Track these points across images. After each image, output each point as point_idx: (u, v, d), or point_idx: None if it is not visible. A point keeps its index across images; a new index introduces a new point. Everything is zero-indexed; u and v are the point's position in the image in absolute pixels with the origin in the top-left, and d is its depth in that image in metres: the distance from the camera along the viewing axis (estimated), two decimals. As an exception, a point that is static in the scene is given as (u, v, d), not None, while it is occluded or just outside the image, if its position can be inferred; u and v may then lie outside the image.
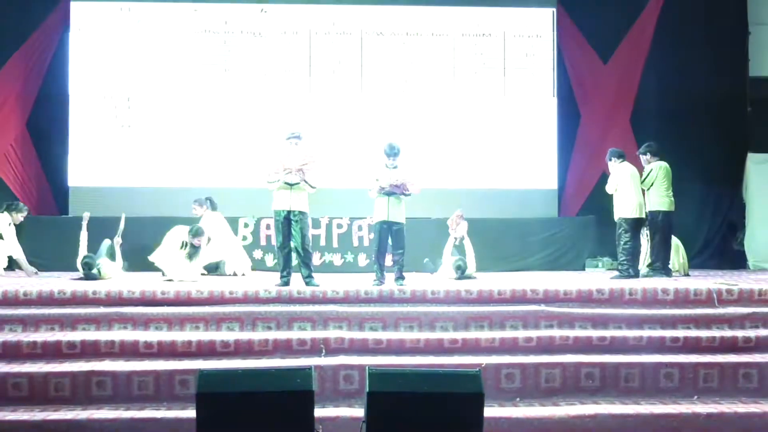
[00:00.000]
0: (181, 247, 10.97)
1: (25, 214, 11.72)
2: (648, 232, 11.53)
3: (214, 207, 11.96)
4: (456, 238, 11.38)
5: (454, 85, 13.72)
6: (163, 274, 10.82)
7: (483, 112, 13.72)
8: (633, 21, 13.94)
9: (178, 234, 11.27)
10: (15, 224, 11.51)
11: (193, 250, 10.84)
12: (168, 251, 11.16)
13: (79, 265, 10.72)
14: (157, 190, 13.27)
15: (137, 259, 11.73)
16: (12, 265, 11.62)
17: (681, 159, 12.22)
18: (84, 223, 11.27)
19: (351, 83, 13.68)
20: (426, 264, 11.76)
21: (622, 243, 11.05)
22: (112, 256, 11.20)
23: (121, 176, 13.42)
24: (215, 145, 13.49)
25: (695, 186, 12.49)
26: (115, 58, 13.52)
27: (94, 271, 10.53)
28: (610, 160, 11.31)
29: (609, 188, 11.25)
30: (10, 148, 13.47)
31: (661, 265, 11.20)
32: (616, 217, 11.12)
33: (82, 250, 10.99)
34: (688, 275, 11.63)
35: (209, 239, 11.23)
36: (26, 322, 8.53)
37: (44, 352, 7.99)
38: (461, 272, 10.80)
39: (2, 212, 11.54)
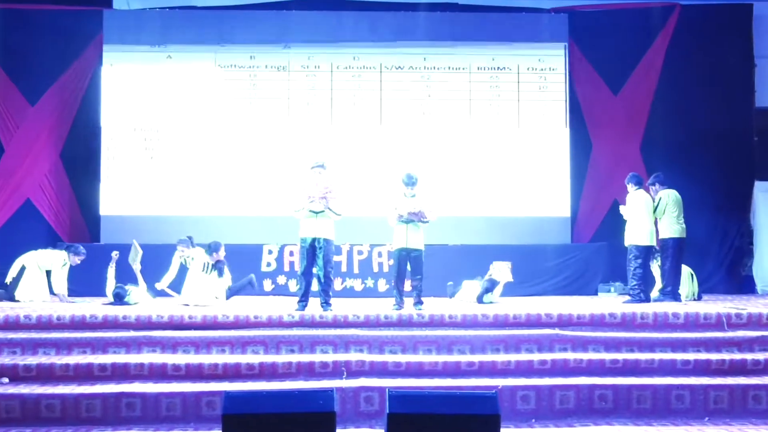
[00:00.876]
0: (204, 270, 11.00)
1: (83, 257, 11.63)
2: (659, 258, 11.51)
3: (193, 244, 11.78)
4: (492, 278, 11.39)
5: (470, 116, 13.77)
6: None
7: (498, 143, 13.76)
8: (642, 54, 13.97)
9: (177, 257, 11.36)
10: (70, 265, 11.50)
11: (221, 265, 10.95)
12: (190, 276, 11.13)
13: (110, 295, 10.77)
14: (185, 219, 13.27)
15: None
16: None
17: (690, 187, 12.13)
18: (112, 261, 11.19)
19: (371, 116, 13.75)
20: (448, 287, 11.72)
21: (632, 269, 11.03)
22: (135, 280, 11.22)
23: (151, 205, 13.52)
24: (240, 174, 13.57)
25: (704, 213, 12.42)
26: (145, 92, 13.67)
27: (126, 299, 10.57)
28: (629, 183, 11.29)
29: (624, 212, 11.23)
30: (44, 178, 13.61)
31: (671, 290, 11.13)
32: (627, 244, 11.10)
33: (110, 284, 10.98)
34: (697, 300, 11.57)
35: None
36: (59, 345, 8.57)
37: (76, 375, 8.02)
38: (486, 293, 10.88)
39: (62, 251, 11.59)
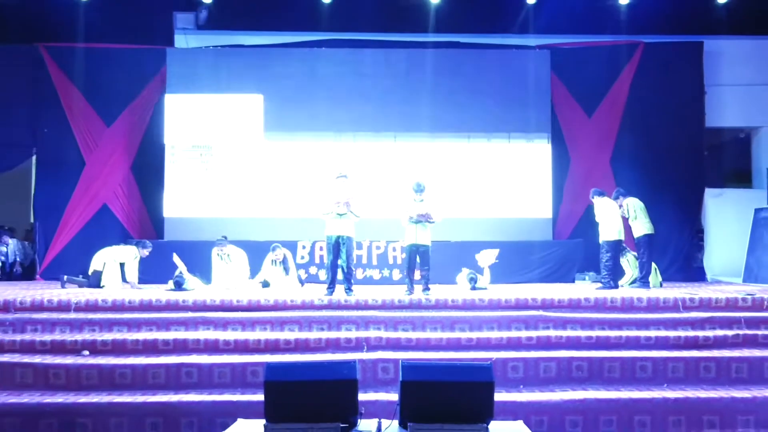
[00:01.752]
0: (273, 264, 11.33)
1: (150, 249, 11.67)
2: (626, 253, 11.49)
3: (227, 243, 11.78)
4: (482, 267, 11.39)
5: (469, 136, 13.71)
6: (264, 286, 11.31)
7: (492, 156, 13.72)
8: (612, 83, 13.95)
9: (215, 254, 11.48)
10: (140, 257, 11.54)
11: (285, 261, 11.27)
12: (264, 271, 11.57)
13: (171, 283, 10.82)
14: (233, 220, 13.35)
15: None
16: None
17: (651, 194, 12.26)
18: (177, 261, 11.15)
19: (386, 134, 13.73)
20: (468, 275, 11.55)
21: (604, 261, 11.00)
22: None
23: (205, 209, 13.57)
24: (278, 183, 13.60)
25: (663, 215, 12.35)
26: (201, 114, 13.70)
27: (184, 286, 10.63)
28: (594, 197, 11.30)
29: (597, 217, 11.24)
30: (118, 187, 13.71)
31: (644, 277, 11.07)
32: (600, 240, 11.07)
33: (181, 267, 11.04)
34: (660, 287, 11.53)
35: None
36: (130, 324, 8.64)
37: (144, 348, 8.08)
38: (474, 283, 10.80)
39: (132, 246, 11.64)
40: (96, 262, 11.32)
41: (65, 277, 11.27)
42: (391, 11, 14.53)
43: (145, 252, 11.58)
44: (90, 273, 11.28)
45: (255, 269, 11.76)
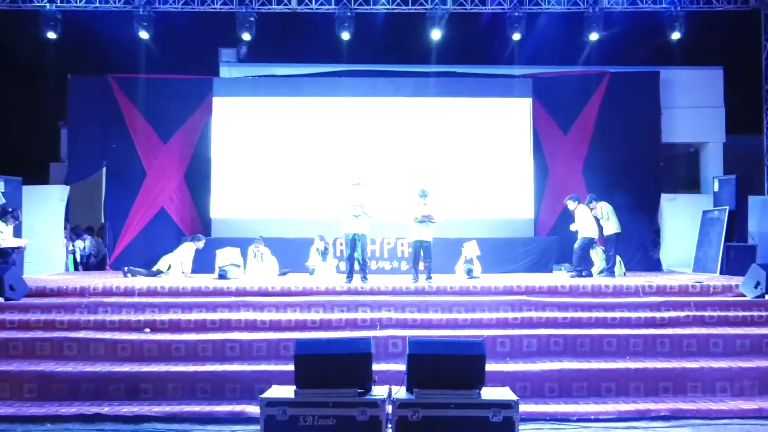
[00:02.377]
0: (317, 252, 11.45)
1: (204, 241, 11.68)
2: (597, 250, 11.45)
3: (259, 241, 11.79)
4: (466, 257, 11.35)
5: (465, 150, 13.67)
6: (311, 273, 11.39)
7: (484, 167, 13.67)
8: (583, 106, 13.88)
9: (251, 251, 11.46)
10: (196, 249, 11.56)
11: (325, 250, 11.31)
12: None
13: (216, 274, 10.85)
14: (270, 221, 13.34)
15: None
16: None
17: (616, 198, 12.15)
18: (223, 256, 11.15)
19: (395, 148, 13.69)
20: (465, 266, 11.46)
21: (579, 253, 10.99)
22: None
23: (245, 211, 13.56)
24: (306, 189, 13.56)
25: (626, 216, 12.19)
26: (242, 131, 13.71)
27: (227, 276, 10.66)
28: (571, 200, 11.25)
29: (575, 227, 11.24)
30: (173, 193, 13.75)
31: (611, 268, 11.05)
32: (579, 236, 11.04)
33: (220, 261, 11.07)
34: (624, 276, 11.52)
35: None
36: (183, 307, 8.69)
37: (195, 327, 8.15)
38: (469, 274, 10.83)
39: (189, 242, 11.68)
40: (162, 264, 11.33)
41: (126, 268, 11.31)
42: (399, 47, 14.67)
43: (200, 244, 11.60)
44: (154, 269, 11.29)
45: (288, 263, 11.84)
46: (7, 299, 8.65)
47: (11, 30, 14.24)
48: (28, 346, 7.61)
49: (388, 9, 13.24)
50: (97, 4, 13.06)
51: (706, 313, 8.52)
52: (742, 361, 7.40)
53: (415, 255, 10.27)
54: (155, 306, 8.69)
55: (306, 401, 5.53)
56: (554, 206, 13.68)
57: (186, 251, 11.46)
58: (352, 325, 8.20)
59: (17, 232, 10.84)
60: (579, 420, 6.39)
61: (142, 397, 6.87)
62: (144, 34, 13.03)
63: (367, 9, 13.16)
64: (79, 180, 13.95)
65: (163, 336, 7.82)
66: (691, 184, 15.51)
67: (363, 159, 13.58)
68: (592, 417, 6.43)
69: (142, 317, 8.32)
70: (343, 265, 11.55)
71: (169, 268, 11.26)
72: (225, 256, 11.01)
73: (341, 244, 12.17)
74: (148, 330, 8.04)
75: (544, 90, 13.96)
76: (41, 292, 9.08)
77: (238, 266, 11.05)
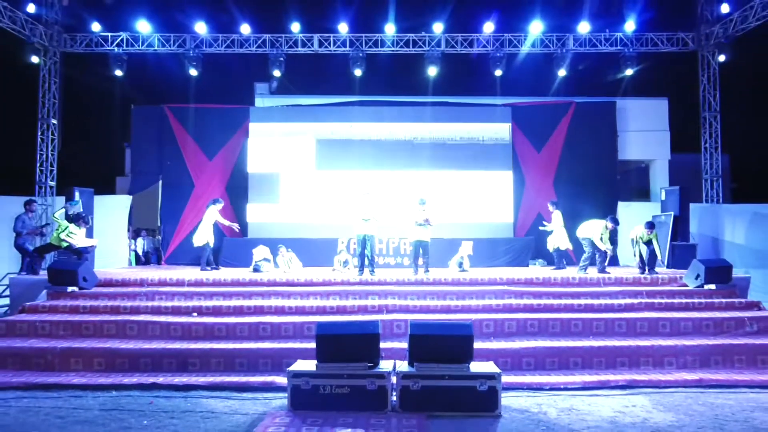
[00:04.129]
0: (339, 264, 10.93)
1: (222, 204, 11.42)
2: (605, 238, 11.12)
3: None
4: (461, 256, 11.28)
5: (456, 165, 13.57)
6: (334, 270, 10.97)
7: (472, 180, 13.59)
8: (554, 129, 13.81)
9: (281, 256, 11.05)
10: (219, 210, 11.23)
11: (346, 261, 10.99)
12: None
13: (251, 268, 10.79)
14: (296, 225, 13.31)
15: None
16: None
17: (581, 206, 12.21)
18: (258, 254, 10.98)
19: (399, 164, 13.61)
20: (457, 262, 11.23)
21: (591, 251, 10.59)
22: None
23: (276, 215, 13.52)
24: (326, 197, 13.50)
25: (590, 219, 12.15)
26: (274, 149, 13.65)
27: (260, 269, 10.60)
28: (549, 204, 11.30)
29: (550, 226, 11.23)
30: (217, 201, 13.73)
31: (588, 265, 10.81)
32: (579, 236, 10.82)
33: (257, 257, 10.99)
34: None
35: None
36: (224, 295, 8.67)
37: (234, 312, 8.13)
38: (460, 267, 10.78)
39: (212, 205, 11.25)
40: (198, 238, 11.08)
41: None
42: (402, 81, 14.72)
43: (220, 206, 11.30)
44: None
45: (311, 260, 11.67)
46: (81, 288, 8.68)
47: (86, 69, 14.53)
48: (97, 327, 7.61)
49: (392, 51, 13.65)
50: (156, 48, 13.49)
51: (655, 300, 8.46)
52: (686, 340, 7.35)
53: (416, 252, 10.25)
54: (201, 294, 8.67)
55: (325, 373, 5.56)
56: (530, 212, 13.63)
57: (210, 213, 11.21)
58: (363, 310, 8.16)
59: (89, 234, 10.87)
60: (551, 389, 6.33)
61: (190, 370, 6.84)
62: (193, 72, 13.40)
63: (375, 51, 13.59)
64: (140, 191, 13.99)
65: (208, 319, 7.80)
66: (642, 193, 15.40)
67: (372, 173, 13.54)
68: (562, 386, 6.37)
69: (190, 303, 8.30)
70: (355, 261, 11.49)
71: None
72: (259, 253, 10.98)
73: (354, 243, 12.15)
74: (195, 314, 8.01)
75: (522, 116, 13.89)
76: (108, 283, 9.08)
77: (269, 261, 11.00)
